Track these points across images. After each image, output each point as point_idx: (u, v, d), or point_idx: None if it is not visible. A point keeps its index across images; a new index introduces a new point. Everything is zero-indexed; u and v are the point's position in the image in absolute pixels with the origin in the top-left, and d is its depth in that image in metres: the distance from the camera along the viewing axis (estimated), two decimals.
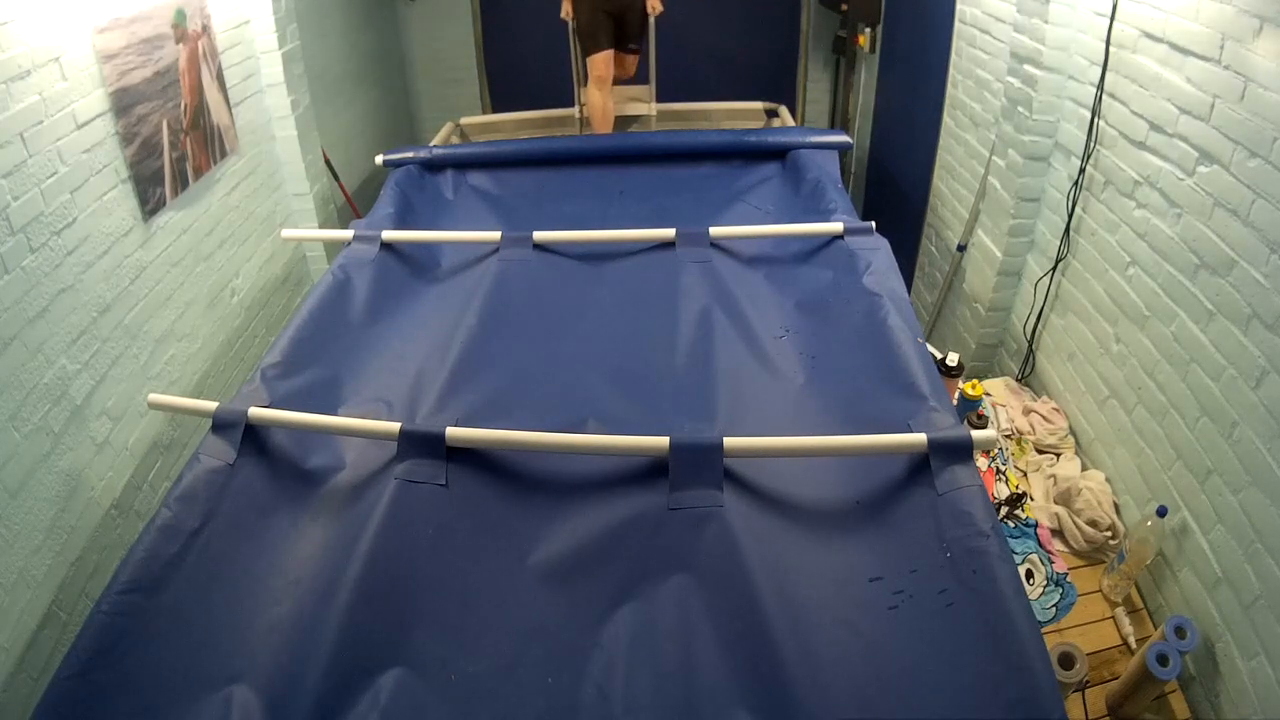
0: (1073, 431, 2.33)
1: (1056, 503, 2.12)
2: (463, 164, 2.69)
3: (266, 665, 1.12)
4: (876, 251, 1.94)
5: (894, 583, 1.17)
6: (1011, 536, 2.00)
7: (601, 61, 3.42)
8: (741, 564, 1.18)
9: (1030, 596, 1.81)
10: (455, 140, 3.62)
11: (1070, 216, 2.26)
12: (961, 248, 2.98)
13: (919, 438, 1.29)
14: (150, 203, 2.16)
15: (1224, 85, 1.63)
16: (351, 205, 3.54)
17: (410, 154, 2.67)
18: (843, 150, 2.67)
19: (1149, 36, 1.87)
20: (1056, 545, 2.02)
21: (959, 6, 2.97)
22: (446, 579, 1.23)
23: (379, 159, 2.71)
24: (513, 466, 1.39)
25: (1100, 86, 2.06)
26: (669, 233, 2.07)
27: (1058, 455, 2.29)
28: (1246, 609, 1.57)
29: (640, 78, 3.71)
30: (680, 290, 1.89)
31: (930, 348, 1.91)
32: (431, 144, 2.93)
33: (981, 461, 2.16)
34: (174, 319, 2.30)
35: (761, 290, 1.92)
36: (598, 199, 2.52)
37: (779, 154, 2.65)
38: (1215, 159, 1.67)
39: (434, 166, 2.66)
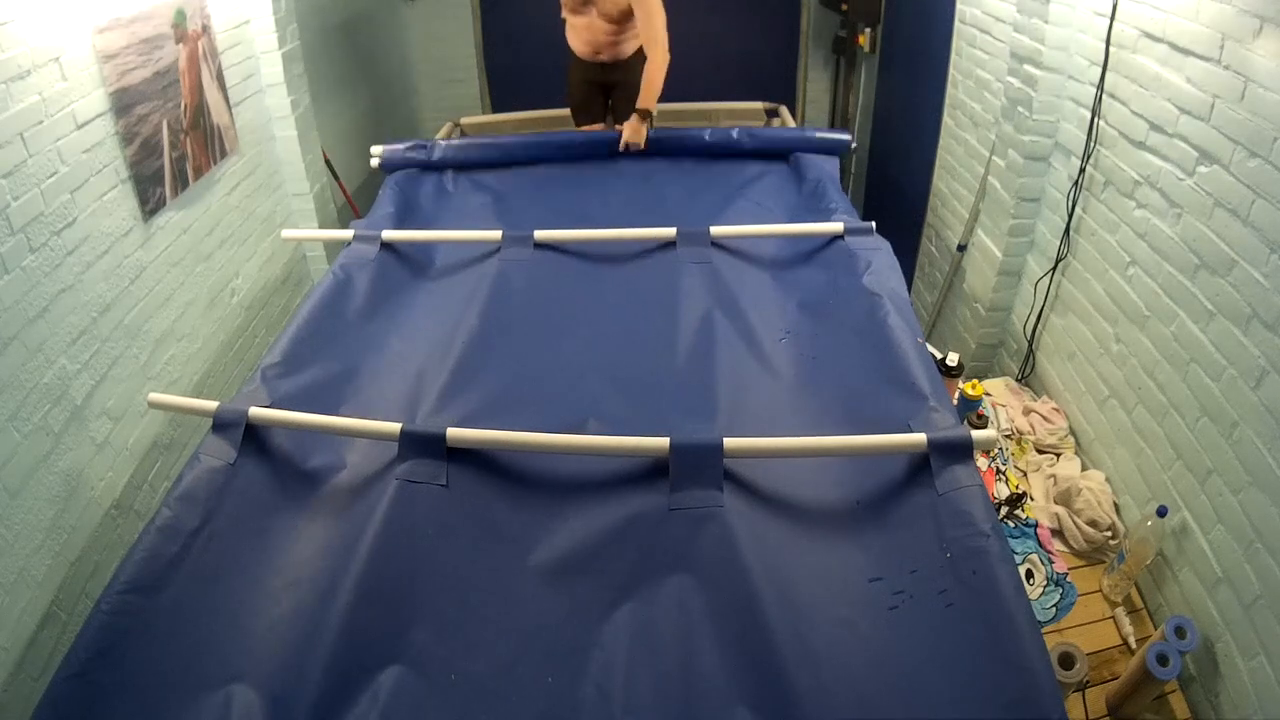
0: (1073, 431, 2.33)
1: (1056, 503, 2.12)
2: (462, 164, 2.68)
3: (266, 665, 1.12)
4: (877, 251, 1.95)
5: (894, 583, 1.17)
6: (1011, 536, 2.00)
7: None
8: (741, 564, 1.18)
9: (1030, 596, 1.81)
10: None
11: (1070, 216, 2.26)
12: (961, 248, 2.98)
13: (919, 438, 1.29)
14: (150, 203, 2.16)
15: (1224, 85, 1.63)
16: (351, 205, 3.54)
17: (402, 146, 2.65)
18: (844, 150, 2.67)
19: (1149, 36, 1.87)
20: (1056, 545, 2.02)
21: (959, 6, 2.97)
22: (446, 579, 1.23)
23: (375, 161, 2.67)
24: (513, 466, 1.38)
25: (1100, 86, 2.06)
26: (670, 232, 2.06)
27: (1058, 455, 2.29)
28: (1246, 609, 1.57)
29: None
30: (681, 290, 1.89)
31: (930, 348, 1.91)
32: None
33: (981, 461, 2.16)
34: (174, 319, 2.30)
35: (762, 290, 1.91)
36: (598, 198, 2.52)
37: (779, 154, 2.65)
38: (1215, 159, 1.66)
39: (433, 166, 2.65)
